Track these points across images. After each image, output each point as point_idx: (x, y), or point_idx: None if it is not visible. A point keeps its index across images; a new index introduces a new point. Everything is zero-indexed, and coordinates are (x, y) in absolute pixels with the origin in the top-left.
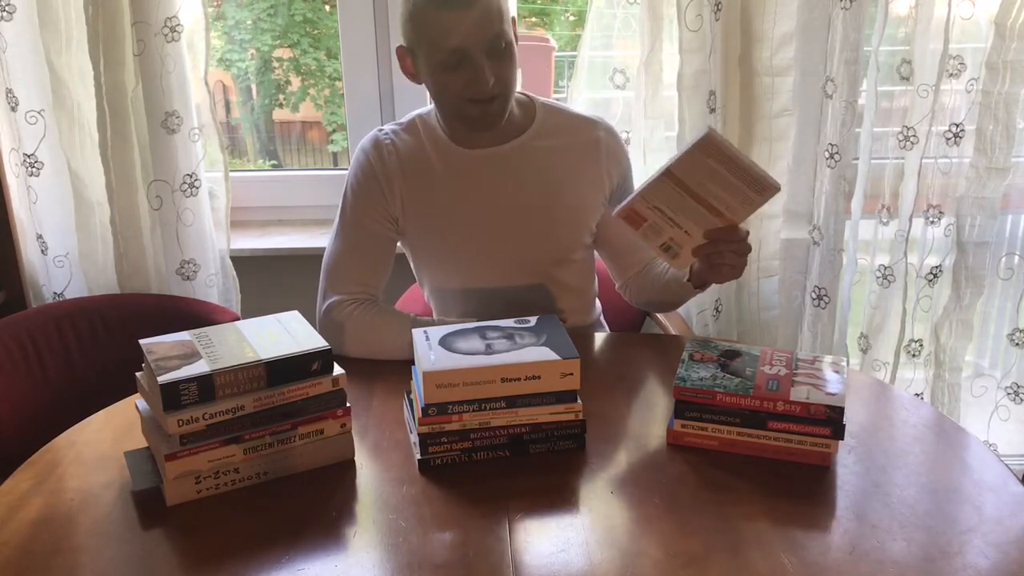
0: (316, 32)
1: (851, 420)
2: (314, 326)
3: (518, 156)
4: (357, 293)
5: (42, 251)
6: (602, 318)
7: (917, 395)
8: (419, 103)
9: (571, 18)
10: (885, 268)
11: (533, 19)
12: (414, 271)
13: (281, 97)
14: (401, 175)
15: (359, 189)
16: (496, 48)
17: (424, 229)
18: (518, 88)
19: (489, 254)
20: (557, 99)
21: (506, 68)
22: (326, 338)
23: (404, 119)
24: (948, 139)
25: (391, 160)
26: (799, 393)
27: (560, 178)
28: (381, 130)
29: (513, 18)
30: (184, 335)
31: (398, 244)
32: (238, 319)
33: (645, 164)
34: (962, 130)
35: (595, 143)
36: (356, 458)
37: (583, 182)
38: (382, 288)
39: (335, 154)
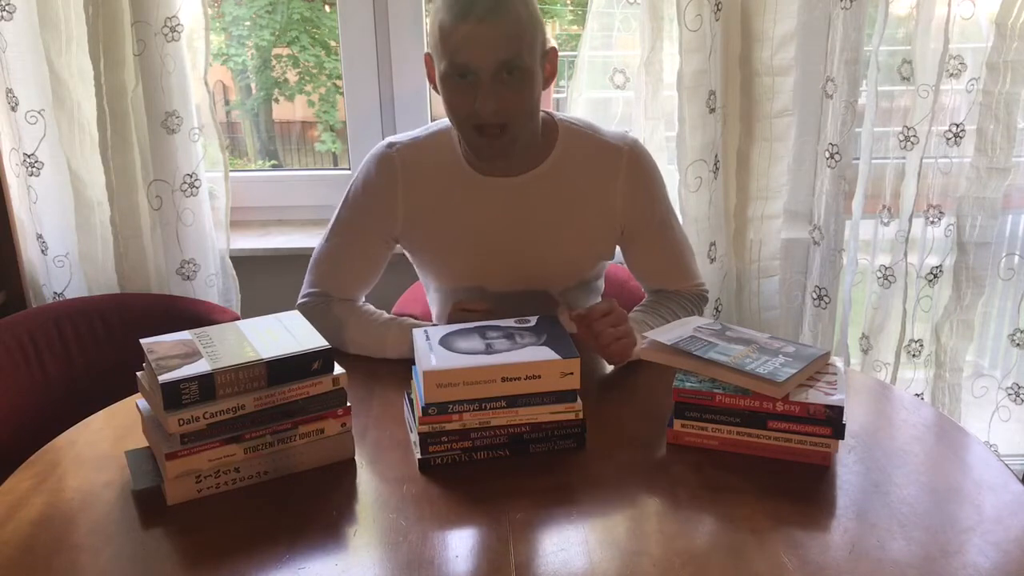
0: (316, 31)
1: (851, 420)
2: None
3: (533, 188)
4: (337, 293)
5: (42, 251)
6: None
7: (917, 395)
8: (420, 108)
9: (571, 17)
10: (886, 268)
11: None
12: (417, 272)
13: (277, 91)
14: (405, 194)
15: (358, 205)
16: (507, 73)
17: (425, 247)
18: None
19: (490, 276)
20: (556, 99)
21: (515, 97)
22: None
23: (425, 129)
24: (948, 139)
25: (396, 177)
26: (799, 393)
27: (572, 211)
28: (392, 144)
29: (550, 49)
30: (185, 334)
31: (396, 246)
32: (238, 319)
33: None
34: (963, 130)
35: (613, 174)
36: (356, 457)
37: (595, 215)
38: (361, 296)
39: (335, 154)
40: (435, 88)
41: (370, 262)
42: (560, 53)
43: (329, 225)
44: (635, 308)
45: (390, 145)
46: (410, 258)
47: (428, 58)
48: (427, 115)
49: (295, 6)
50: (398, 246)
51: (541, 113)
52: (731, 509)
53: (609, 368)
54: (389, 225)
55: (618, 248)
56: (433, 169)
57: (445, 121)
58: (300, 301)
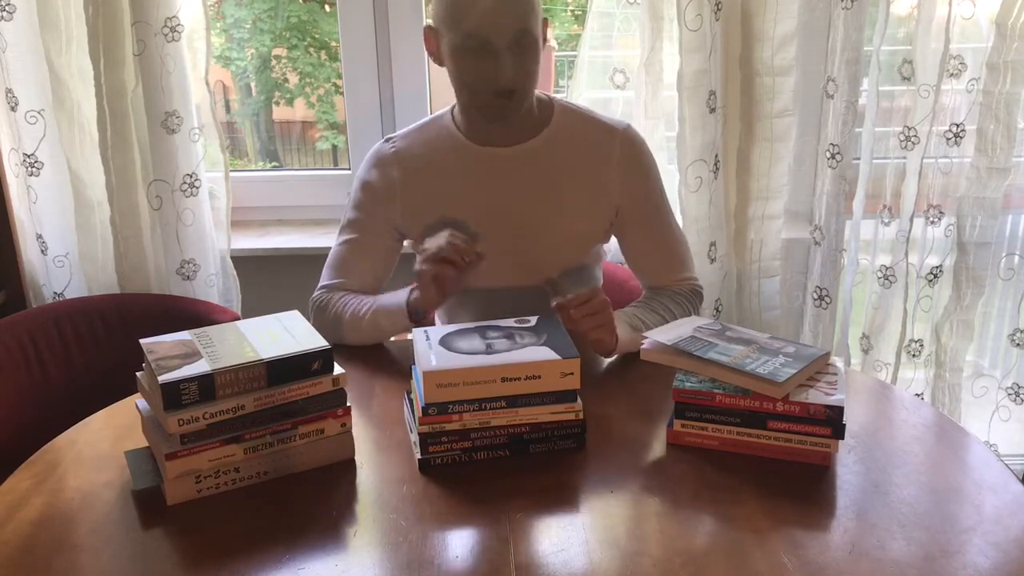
0: (316, 31)
1: (851, 420)
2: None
3: (527, 159)
4: (347, 288)
5: (42, 251)
6: None
7: (917, 395)
8: (420, 108)
9: (571, 16)
10: (886, 268)
11: None
12: None
13: (277, 93)
14: (402, 184)
15: (358, 204)
16: (520, 42)
17: (425, 227)
18: (538, 89)
19: (490, 255)
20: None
21: (527, 63)
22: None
23: (418, 122)
24: (949, 139)
25: (392, 171)
26: (799, 393)
27: (566, 187)
28: (389, 139)
29: (545, 20)
30: (184, 335)
31: (404, 244)
32: (238, 319)
33: None
34: (963, 130)
35: (607, 153)
36: (356, 458)
37: (589, 193)
38: (377, 291)
39: (335, 148)
40: (435, 60)
41: (377, 258)
42: (560, 53)
43: (340, 225)
44: (629, 304)
45: (387, 140)
46: (413, 248)
47: (429, 31)
48: (427, 115)
49: (294, 9)
50: (407, 243)
51: (539, 93)
52: (731, 509)
53: (606, 366)
54: (390, 218)
55: (616, 245)
56: (430, 149)
57: (437, 112)
58: (312, 296)
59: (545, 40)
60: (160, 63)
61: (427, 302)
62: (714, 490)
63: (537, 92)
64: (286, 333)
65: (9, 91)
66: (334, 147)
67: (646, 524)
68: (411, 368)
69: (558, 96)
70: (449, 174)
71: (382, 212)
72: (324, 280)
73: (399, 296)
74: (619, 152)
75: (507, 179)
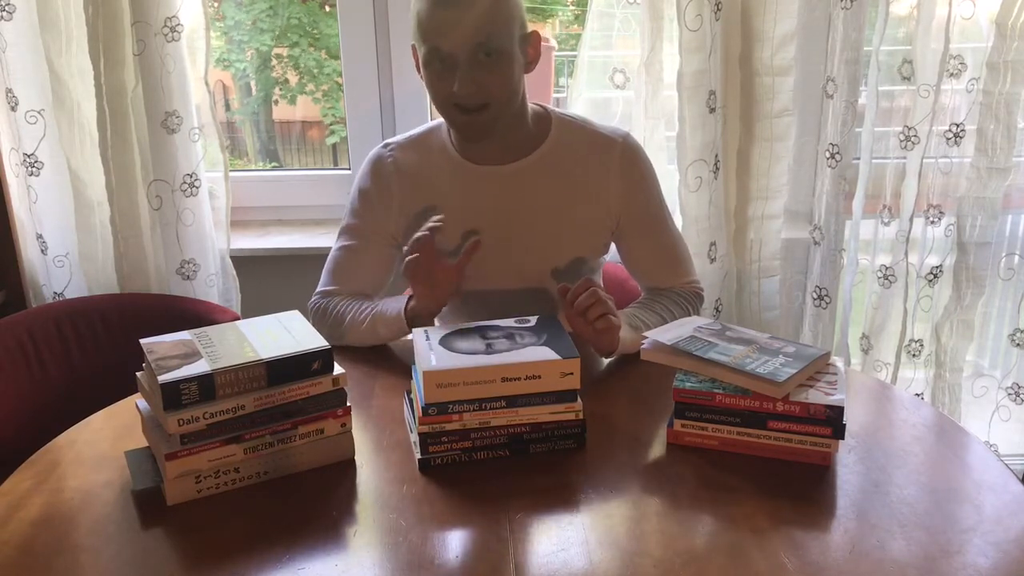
0: (315, 32)
1: (851, 420)
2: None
3: (525, 177)
4: (345, 293)
5: (42, 251)
6: None
7: (917, 395)
8: (420, 109)
9: (572, 15)
10: (886, 268)
11: (533, 18)
12: None
13: (278, 91)
14: (399, 192)
15: (356, 211)
16: (482, 55)
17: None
18: (535, 100)
19: (487, 264)
20: (556, 99)
21: (492, 78)
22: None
23: (418, 130)
24: (949, 139)
25: (391, 179)
26: (799, 393)
27: (565, 202)
28: (387, 145)
29: (532, 33)
30: (184, 335)
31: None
32: (238, 319)
33: None
34: (963, 130)
35: (606, 166)
36: (356, 457)
37: (589, 207)
38: (373, 297)
39: (334, 146)
40: (421, 76)
41: (375, 264)
42: (560, 53)
43: (338, 230)
44: (630, 305)
45: (385, 146)
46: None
47: (414, 48)
48: (427, 115)
49: (293, 10)
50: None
51: (535, 106)
52: (731, 509)
53: (606, 366)
54: (388, 226)
55: (614, 247)
56: (426, 162)
57: (439, 121)
58: (310, 301)
59: (533, 58)
60: (160, 63)
61: (423, 306)
62: (714, 490)
63: (533, 105)
64: (286, 333)
65: (9, 91)
66: (343, 139)
67: (646, 524)
68: (411, 368)
69: (555, 109)
70: (445, 192)
71: (379, 220)
72: (321, 286)
73: (398, 303)
74: (618, 164)
75: (504, 198)
